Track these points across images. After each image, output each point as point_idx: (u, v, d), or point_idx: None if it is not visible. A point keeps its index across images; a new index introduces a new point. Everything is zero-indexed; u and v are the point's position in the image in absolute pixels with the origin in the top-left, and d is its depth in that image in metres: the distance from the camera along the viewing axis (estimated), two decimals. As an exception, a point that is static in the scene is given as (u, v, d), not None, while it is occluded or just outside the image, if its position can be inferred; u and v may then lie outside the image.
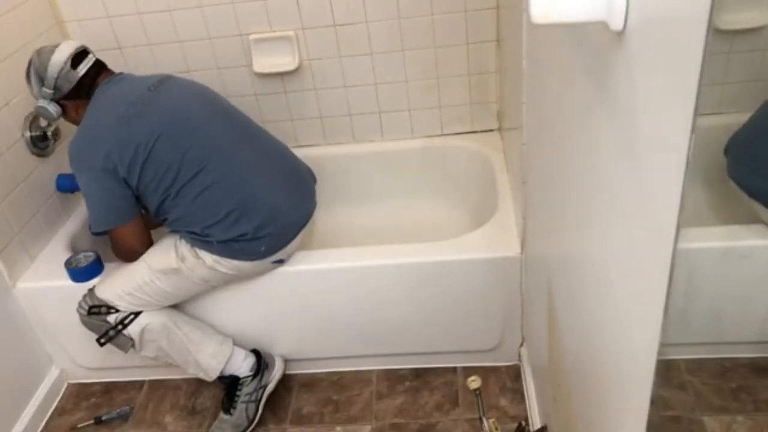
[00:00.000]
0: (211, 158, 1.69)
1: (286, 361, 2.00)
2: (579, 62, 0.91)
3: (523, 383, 1.89)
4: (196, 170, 1.67)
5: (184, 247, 1.72)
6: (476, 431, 1.79)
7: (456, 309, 1.87)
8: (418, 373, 2.00)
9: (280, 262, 1.80)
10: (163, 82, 1.76)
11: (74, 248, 2.03)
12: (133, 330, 1.75)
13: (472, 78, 2.19)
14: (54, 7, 2.12)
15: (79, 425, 1.99)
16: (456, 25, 2.09)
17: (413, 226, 2.28)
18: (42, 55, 1.70)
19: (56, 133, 2.06)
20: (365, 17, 2.09)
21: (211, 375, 1.86)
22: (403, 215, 2.34)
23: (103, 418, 1.98)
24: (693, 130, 0.52)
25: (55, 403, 2.08)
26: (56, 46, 1.70)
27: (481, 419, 1.32)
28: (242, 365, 1.89)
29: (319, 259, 1.85)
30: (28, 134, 1.96)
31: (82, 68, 1.71)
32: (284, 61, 2.16)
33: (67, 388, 2.13)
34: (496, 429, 1.30)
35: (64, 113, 1.77)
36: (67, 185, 2.09)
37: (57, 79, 1.69)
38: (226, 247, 1.70)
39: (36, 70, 1.70)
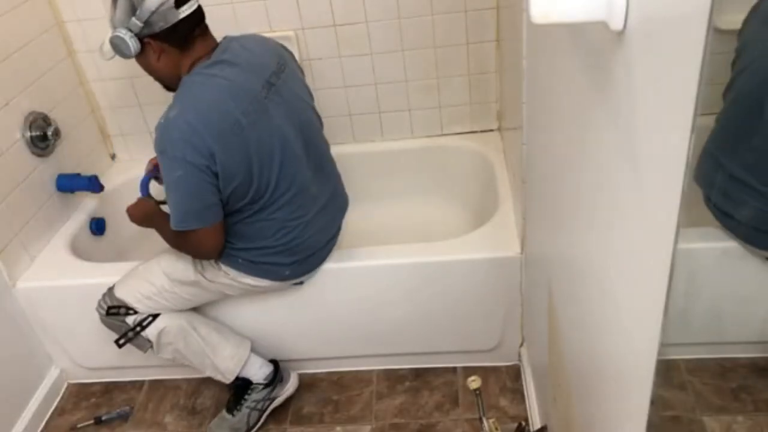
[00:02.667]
0: (288, 193, 1.61)
1: (283, 361, 2.00)
2: (579, 62, 0.91)
3: (523, 383, 1.89)
4: (270, 201, 1.60)
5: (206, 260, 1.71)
6: (476, 431, 1.79)
7: (456, 309, 1.87)
8: (418, 373, 2.00)
9: (300, 282, 1.80)
10: (277, 76, 1.58)
11: (74, 248, 2.03)
12: (150, 332, 1.73)
13: (472, 78, 2.19)
14: (54, 7, 2.12)
15: (79, 425, 1.99)
16: (456, 25, 2.09)
17: (413, 226, 2.28)
18: None
19: (56, 133, 2.06)
20: (365, 17, 2.09)
21: (228, 377, 1.84)
22: (403, 215, 2.34)
23: (103, 418, 1.98)
24: (693, 130, 0.52)
25: (55, 403, 2.08)
26: None
27: (481, 419, 1.32)
28: (258, 372, 1.87)
29: (319, 259, 1.85)
30: (28, 134, 1.96)
31: (185, 10, 1.47)
32: (284, 61, 2.16)
33: (67, 388, 2.13)
34: (496, 429, 1.30)
35: (141, 55, 1.53)
36: (67, 185, 2.09)
37: (154, 13, 1.44)
38: (252, 267, 1.69)
39: (126, 5, 1.46)
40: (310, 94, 1.76)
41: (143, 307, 1.72)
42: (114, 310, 1.73)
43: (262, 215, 1.62)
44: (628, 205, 0.72)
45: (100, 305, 1.76)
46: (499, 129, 2.28)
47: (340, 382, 2.02)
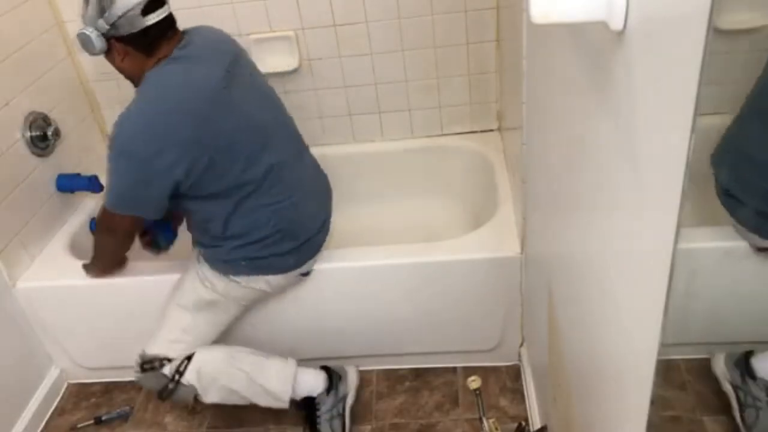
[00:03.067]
0: (273, 175, 1.62)
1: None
2: (579, 62, 0.91)
3: (523, 383, 1.89)
4: (257, 186, 1.60)
5: (211, 274, 1.70)
6: (476, 431, 1.79)
7: (456, 309, 1.87)
8: (418, 373, 2.00)
9: (306, 273, 1.80)
10: (233, 72, 1.59)
11: (74, 248, 2.03)
12: (190, 377, 1.67)
13: (472, 78, 2.19)
14: (54, 7, 2.12)
15: (79, 425, 1.99)
16: (456, 25, 2.09)
17: (413, 226, 2.28)
18: None
19: (56, 133, 2.06)
20: (365, 17, 2.09)
21: (284, 398, 1.74)
22: (403, 215, 2.34)
23: (103, 418, 1.98)
24: (693, 130, 0.52)
25: (55, 403, 2.08)
26: None
27: (481, 419, 1.32)
28: (314, 384, 1.79)
29: (319, 259, 1.85)
30: (28, 134, 1.96)
31: (152, 19, 1.48)
32: (284, 61, 2.16)
33: (67, 388, 2.13)
34: (496, 429, 1.30)
35: (108, 53, 1.56)
36: (67, 185, 2.09)
37: (121, 17, 1.46)
38: (257, 265, 1.68)
39: (99, 3, 1.47)
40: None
41: (175, 352, 1.69)
42: (148, 365, 1.68)
43: (250, 204, 1.61)
44: (628, 205, 0.72)
45: (135, 369, 1.70)
46: (499, 129, 2.28)
47: (340, 382, 2.01)
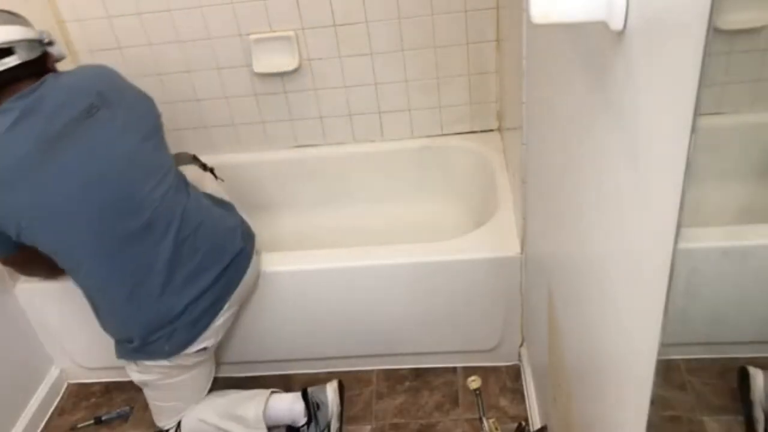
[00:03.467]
0: (88, 261, 1.49)
1: (288, 361, 2.00)
2: (579, 62, 0.91)
3: (523, 383, 1.89)
4: (72, 267, 1.51)
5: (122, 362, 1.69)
6: (476, 431, 1.79)
7: (456, 309, 1.87)
8: (418, 373, 2.00)
9: (203, 349, 1.64)
10: (71, 131, 1.42)
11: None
12: None
13: (472, 78, 2.19)
14: (54, 7, 2.12)
15: (79, 425, 1.99)
16: (456, 25, 2.09)
17: (413, 226, 2.28)
18: None
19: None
20: (365, 17, 2.09)
21: (260, 426, 1.71)
22: (403, 215, 2.34)
23: (103, 418, 1.98)
24: (693, 130, 0.52)
25: (55, 403, 2.08)
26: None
27: (481, 419, 1.32)
28: (294, 410, 1.76)
29: (319, 260, 1.85)
30: (28, 134, 1.95)
31: None
32: (284, 61, 2.16)
33: (67, 388, 2.13)
34: (496, 429, 1.30)
35: None
36: None
37: None
38: (138, 349, 1.60)
39: None
40: (153, 125, 1.60)
41: (165, 420, 1.76)
42: None
43: (80, 280, 1.53)
44: (628, 205, 0.72)
45: None
46: (499, 129, 2.28)
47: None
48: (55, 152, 1.40)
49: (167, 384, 1.69)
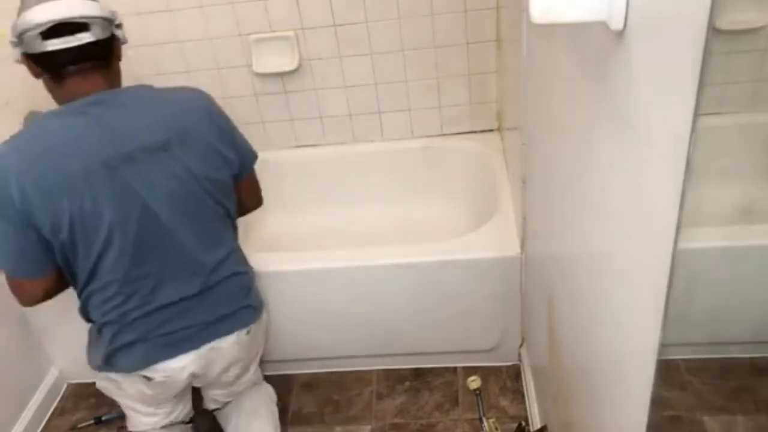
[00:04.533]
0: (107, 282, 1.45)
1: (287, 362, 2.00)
2: (579, 62, 0.91)
3: (523, 383, 1.89)
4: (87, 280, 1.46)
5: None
6: (476, 431, 1.79)
7: (456, 309, 1.87)
8: (418, 373, 2.00)
9: (148, 378, 1.55)
10: (149, 153, 1.38)
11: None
12: None
13: (472, 78, 2.19)
14: (54, 7, 2.12)
15: (79, 425, 1.99)
16: (456, 25, 2.09)
17: (413, 226, 2.28)
18: (27, 2, 1.35)
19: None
20: (365, 17, 2.09)
21: None
22: (403, 215, 2.34)
23: (103, 418, 1.98)
24: (693, 130, 0.52)
25: (55, 403, 2.08)
26: (44, 1, 1.33)
27: (481, 419, 1.32)
28: None
29: (319, 260, 1.85)
30: (28, 134, 1.94)
31: (53, 45, 1.33)
32: (284, 61, 2.16)
33: (67, 388, 2.13)
34: (496, 429, 1.30)
35: (25, 64, 1.41)
36: None
37: (22, 35, 1.34)
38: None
39: (19, 8, 1.36)
40: (223, 166, 1.53)
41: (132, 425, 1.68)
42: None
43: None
44: (628, 205, 0.72)
45: None
46: (499, 129, 2.28)
47: (340, 382, 2.02)
48: (120, 173, 1.36)
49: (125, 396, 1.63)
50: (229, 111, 2.30)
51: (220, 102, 2.27)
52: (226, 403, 1.77)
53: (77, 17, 1.34)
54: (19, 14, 1.35)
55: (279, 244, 2.27)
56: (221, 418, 1.80)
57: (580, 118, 0.92)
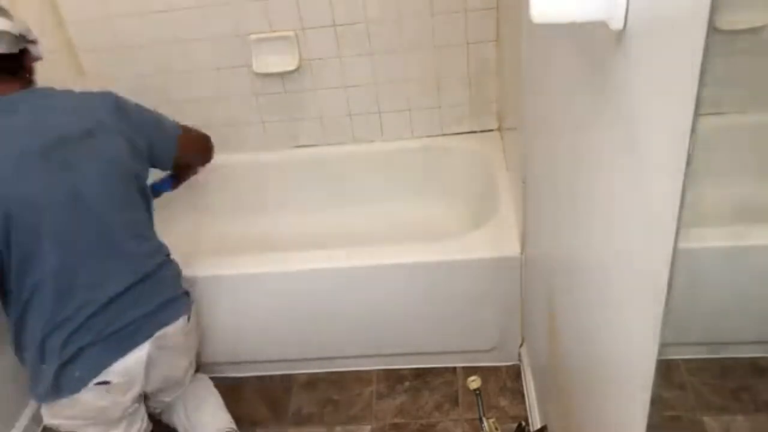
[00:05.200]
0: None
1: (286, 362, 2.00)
2: (579, 62, 0.91)
3: (523, 383, 1.89)
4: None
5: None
6: (476, 431, 1.79)
7: (456, 309, 1.87)
8: (418, 373, 2.00)
9: (105, 382, 1.51)
10: (52, 152, 1.41)
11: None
12: None
13: (472, 78, 2.19)
14: (54, 7, 2.12)
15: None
16: (456, 25, 2.08)
17: (413, 226, 2.28)
18: None
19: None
20: (365, 17, 2.09)
21: None
22: (403, 215, 2.34)
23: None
24: (693, 130, 0.52)
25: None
26: None
27: (481, 419, 1.32)
28: None
29: (319, 259, 1.85)
30: (27, 134, 1.94)
31: None
32: (284, 61, 2.16)
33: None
34: (496, 429, 1.30)
35: None
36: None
37: None
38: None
39: None
40: (140, 154, 1.60)
41: None
42: None
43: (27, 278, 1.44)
44: (628, 205, 0.72)
45: None
46: (499, 129, 2.28)
47: (340, 382, 2.02)
48: (50, 159, 1.41)
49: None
50: (229, 111, 2.31)
51: (221, 101, 2.29)
52: (167, 402, 1.78)
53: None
54: None
55: (278, 244, 2.27)
56: (167, 415, 1.81)
57: (580, 118, 0.92)
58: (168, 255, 1.67)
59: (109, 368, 1.49)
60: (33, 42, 1.54)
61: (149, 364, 1.56)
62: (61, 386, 1.48)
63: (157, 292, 1.57)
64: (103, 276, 1.49)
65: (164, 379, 1.66)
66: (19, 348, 1.54)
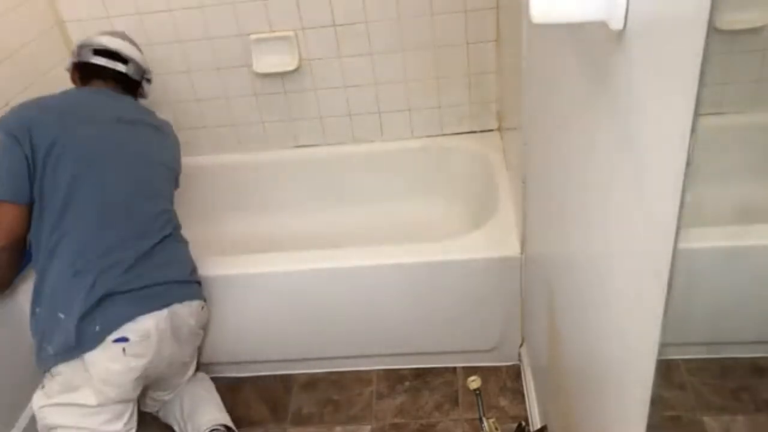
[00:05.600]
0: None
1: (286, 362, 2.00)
2: (579, 62, 0.91)
3: (523, 383, 1.89)
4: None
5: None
6: (476, 431, 1.79)
7: (456, 309, 1.87)
8: (418, 373, 2.00)
9: (124, 339, 1.55)
10: (130, 124, 1.75)
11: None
12: None
13: (472, 78, 2.19)
14: (54, 7, 2.12)
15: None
16: (456, 25, 2.09)
17: (413, 226, 2.28)
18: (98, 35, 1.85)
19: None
20: (365, 17, 2.09)
21: None
22: (403, 215, 2.34)
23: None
24: (693, 130, 0.52)
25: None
26: (110, 34, 1.86)
27: (481, 419, 1.32)
28: None
29: (319, 259, 1.85)
30: (27, 134, 1.96)
31: (98, 60, 1.80)
32: (284, 61, 2.16)
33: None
34: (496, 429, 1.30)
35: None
36: None
37: (81, 47, 1.82)
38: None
39: (88, 38, 1.85)
40: (174, 160, 1.88)
41: None
42: None
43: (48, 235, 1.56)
44: (629, 205, 0.72)
45: None
46: (499, 129, 2.28)
47: (340, 382, 2.02)
48: (116, 126, 1.71)
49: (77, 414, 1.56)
50: (228, 111, 2.31)
51: (220, 101, 2.29)
52: (166, 401, 1.79)
53: (123, 53, 1.83)
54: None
55: (278, 244, 2.27)
56: (164, 413, 1.82)
57: (580, 118, 0.92)
58: (182, 236, 1.81)
59: (128, 324, 1.54)
60: (148, 81, 1.92)
61: (161, 338, 1.59)
62: (79, 340, 1.52)
63: (176, 266, 1.69)
64: (132, 231, 1.62)
65: (169, 364, 1.69)
66: (37, 299, 1.60)
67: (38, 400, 1.60)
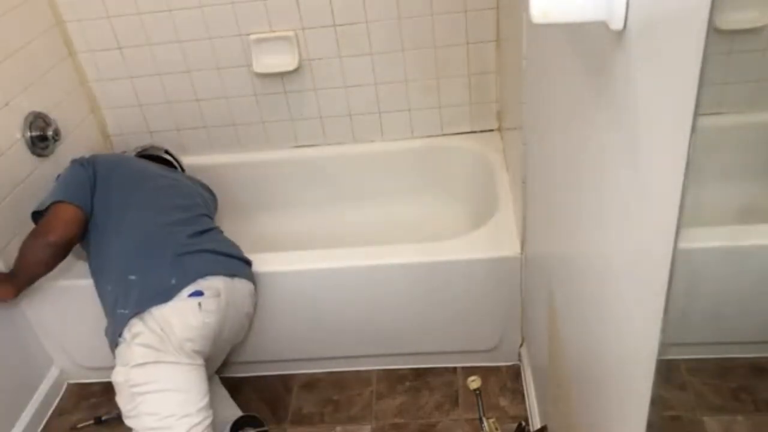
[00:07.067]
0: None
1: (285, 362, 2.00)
2: (579, 62, 0.91)
3: (523, 383, 1.89)
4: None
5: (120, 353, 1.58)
6: (476, 431, 1.79)
7: (456, 309, 1.87)
8: (418, 373, 2.00)
9: (199, 293, 1.60)
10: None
11: (74, 248, 2.03)
12: None
13: (472, 78, 2.19)
14: (54, 7, 2.12)
15: (79, 425, 1.98)
16: (456, 25, 2.08)
17: (413, 226, 2.28)
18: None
19: (56, 134, 2.06)
20: (365, 17, 2.09)
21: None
22: (403, 215, 2.34)
23: (103, 418, 1.98)
24: (693, 130, 0.52)
25: (55, 403, 2.08)
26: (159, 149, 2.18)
27: (481, 419, 1.32)
28: None
29: (319, 259, 1.85)
30: (28, 134, 1.96)
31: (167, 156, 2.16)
32: (284, 61, 2.16)
33: (67, 388, 2.13)
34: (496, 429, 1.30)
35: None
36: None
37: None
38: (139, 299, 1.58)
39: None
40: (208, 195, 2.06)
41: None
42: None
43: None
44: (629, 205, 0.72)
45: None
46: (499, 129, 2.28)
47: (340, 382, 2.02)
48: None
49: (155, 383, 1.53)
50: (229, 111, 2.31)
51: (221, 101, 2.29)
52: None
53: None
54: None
55: (278, 244, 2.27)
56: None
57: (580, 118, 0.92)
58: None
59: (201, 280, 1.61)
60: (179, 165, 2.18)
61: (228, 302, 1.65)
62: (155, 291, 1.57)
63: (234, 247, 1.82)
64: (187, 223, 1.77)
65: (235, 332, 1.76)
66: (102, 277, 1.70)
67: (119, 372, 1.54)
